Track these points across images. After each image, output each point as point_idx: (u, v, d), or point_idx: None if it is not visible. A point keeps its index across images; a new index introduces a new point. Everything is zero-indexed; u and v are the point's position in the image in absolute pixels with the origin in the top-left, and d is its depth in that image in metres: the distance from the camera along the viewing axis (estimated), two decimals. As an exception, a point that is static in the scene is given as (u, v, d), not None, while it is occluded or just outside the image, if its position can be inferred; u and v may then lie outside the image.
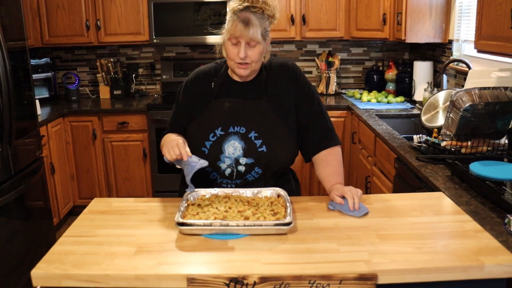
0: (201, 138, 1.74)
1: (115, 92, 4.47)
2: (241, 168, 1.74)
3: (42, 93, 4.30)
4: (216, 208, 1.56)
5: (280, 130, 1.75)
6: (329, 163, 1.80)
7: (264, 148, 1.72)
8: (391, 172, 2.59)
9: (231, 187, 1.78)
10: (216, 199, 1.63)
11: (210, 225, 1.42)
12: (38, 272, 1.28)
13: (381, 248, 1.34)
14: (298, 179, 2.01)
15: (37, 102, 3.58)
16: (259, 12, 1.64)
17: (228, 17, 1.67)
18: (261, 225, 1.42)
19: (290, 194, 1.80)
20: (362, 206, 1.59)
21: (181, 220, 1.43)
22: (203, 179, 1.80)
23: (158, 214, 1.63)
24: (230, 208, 1.55)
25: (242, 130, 1.73)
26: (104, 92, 4.53)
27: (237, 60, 1.65)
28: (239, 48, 1.64)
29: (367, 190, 3.09)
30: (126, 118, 4.02)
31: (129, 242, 1.42)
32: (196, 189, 1.67)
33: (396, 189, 2.48)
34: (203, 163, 1.61)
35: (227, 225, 1.42)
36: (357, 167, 3.55)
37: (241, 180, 1.77)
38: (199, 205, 1.59)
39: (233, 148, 1.72)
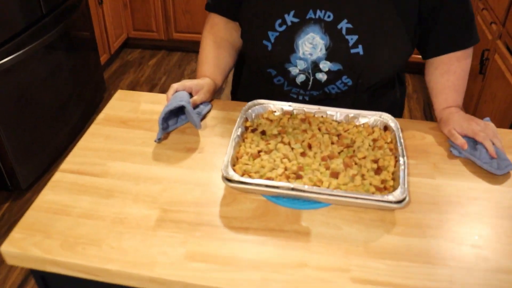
0: (262, 27, 1.13)
1: None
2: (321, 77, 1.14)
3: None
4: (289, 144, 1.02)
5: (389, 22, 1.08)
6: (452, 70, 1.17)
7: (359, 49, 1.09)
8: (529, 59, 1.88)
9: (304, 99, 1.21)
10: (290, 122, 1.09)
11: (277, 187, 0.90)
12: (11, 251, 0.84)
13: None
14: (405, 78, 1.39)
15: None
16: None
17: None
18: (356, 198, 0.89)
19: (392, 108, 1.25)
20: (503, 156, 1.02)
21: (231, 176, 0.91)
22: (264, 82, 1.24)
23: (202, 135, 1.12)
24: (310, 146, 1.02)
25: (328, 17, 1.08)
26: None
27: None
28: None
29: (481, 69, 2.39)
30: None
31: (151, 196, 0.94)
32: (262, 101, 1.13)
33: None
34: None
35: (304, 192, 0.90)
36: (486, 101, 2.73)
37: (319, 92, 1.19)
38: (263, 132, 1.06)
39: (311, 45, 1.11)
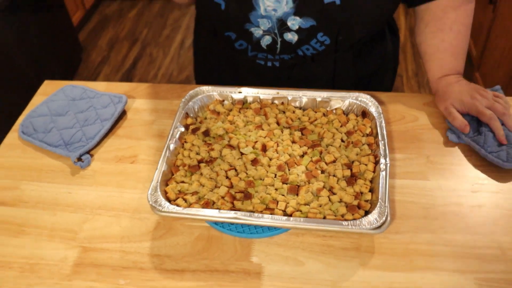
0: None
1: None
2: (291, 37, 0.90)
3: None
4: (237, 147, 0.81)
5: None
6: (448, 26, 0.92)
7: None
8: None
9: (274, 65, 0.98)
10: (241, 116, 0.87)
11: (218, 215, 0.69)
12: None
13: None
14: (398, 29, 1.13)
15: None
16: None
17: None
18: (321, 223, 0.68)
19: (382, 68, 1.02)
20: None
21: (159, 202, 0.70)
22: (225, 49, 1.00)
23: (137, 137, 0.91)
24: (264, 149, 0.80)
25: None
26: None
27: None
28: None
29: (493, -3, 2.08)
30: None
31: (71, 231, 0.76)
32: (205, 88, 0.90)
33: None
34: None
35: (253, 217, 0.69)
36: (498, 35, 2.29)
37: (291, 55, 0.95)
38: (205, 133, 0.84)
39: None
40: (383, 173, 0.72)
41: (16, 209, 0.80)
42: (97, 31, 3.17)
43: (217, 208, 0.71)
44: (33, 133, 0.92)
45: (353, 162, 0.77)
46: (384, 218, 0.66)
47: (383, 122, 0.80)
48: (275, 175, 0.76)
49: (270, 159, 0.78)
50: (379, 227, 0.66)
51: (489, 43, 2.15)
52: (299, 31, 0.88)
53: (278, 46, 0.93)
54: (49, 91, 1.02)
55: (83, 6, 3.10)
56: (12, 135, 0.94)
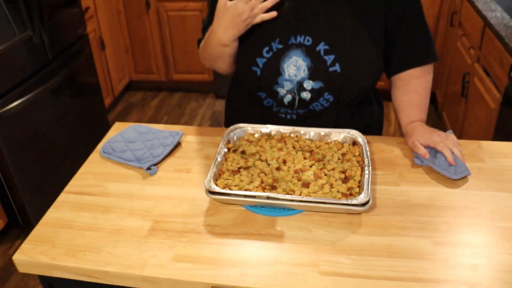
0: (251, 54, 1.26)
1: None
2: (306, 95, 1.27)
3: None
4: (266, 161, 1.14)
5: (360, 42, 1.22)
6: (412, 88, 1.30)
7: (337, 67, 1.22)
8: (502, 81, 2.01)
9: (291, 118, 1.33)
10: (267, 143, 1.21)
11: (254, 197, 1.02)
12: (22, 259, 0.96)
13: (497, 259, 0.90)
14: (382, 101, 1.51)
15: (80, -34, 3.11)
16: None
17: None
18: (324, 203, 1.00)
19: (371, 125, 1.37)
20: (460, 163, 1.13)
21: (213, 188, 1.03)
22: (255, 106, 1.36)
23: (190, 157, 1.24)
24: (284, 162, 1.13)
25: (308, 41, 1.22)
26: (160, -51, 3.95)
27: None
28: None
29: (463, 92, 2.52)
30: (183, -16, 3.49)
31: (144, 211, 1.06)
32: (242, 125, 1.25)
33: (506, 107, 1.92)
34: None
35: (277, 200, 1.01)
36: (452, 57, 2.90)
37: (305, 110, 1.31)
38: (242, 152, 1.18)
39: (295, 67, 1.24)
40: (367, 176, 1.05)
41: (102, 198, 1.11)
42: (123, 115, 3.60)
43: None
44: (112, 152, 1.26)
45: (346, 170, 1.10)
46: (368, 198, 0.98)
47: (367, 148, 1.14)
48: (293, 176, 1.09)
49: (289, 167, 1.11)
50: (365, 204, 0.98)
51: (464, 130, 2.55)
52: (311, 91, 1.26)
53: (296, 102, 1.29)
54: (119, 129, 1.37)
55: (112, 93, 3.55)
56: (95, 155, 1.28)
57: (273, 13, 1.20)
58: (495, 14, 2.25)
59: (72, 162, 2.68)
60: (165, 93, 3.95)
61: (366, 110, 1.41)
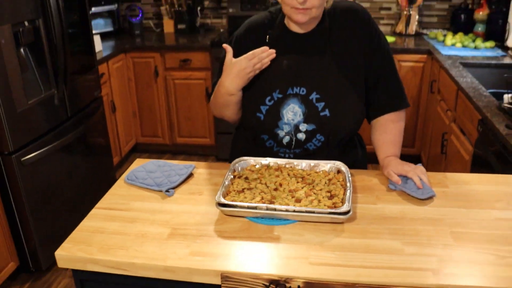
0: (255, 103, 1.53)
1: (179, 26, 4.28)
2: (301, 136, 1.52)
3: (106, 26, 4.19)
4: (265, 184, 1.37)
5: (345, 91, 1.49)
6: (388, 130, 1.56)
7: (327, 112, 1.48)
8: (473, 135, 2.27)
9: (289, 157, 1.57)
10: (267, 171, 1.44)
11: (255, 208, 1.24)
12: (62, 254, 1.17)
13: (454, 253, 1.11)
14: (365, 145, 1.76)
15: (98, 37, 3.47)
16: None
17: None
18: (313, 212, 1.22)
19: (355, 164, 1.59)
20: (427, 186, 1.36)
21: (222, 201, 1.25)
22: (257, 147, 1.60)
23: (201, 184, 1.47)
24: (281, 185, 1.36)
25: (303, 91, 1.49)
26: (168, 25, 4.36)
27: (296, 5, 1.38)
28: None
29: (442, 149, 2.79)
30: (189, 55, 3.84)
31: (164, 221, 1.27)
32: (246, 158, 1.49)
33: (477, 157, 2.17)
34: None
35: (275, 210, 1.23)
36: (433, 120, 3.21)
37: (300, 149, 1.55)
38: (246, 178, 1.41)
39: (292, 113, 1.50)
40: (348, 193, 1.28)
41: (128, 212, 1.33)
42: (129, 174, 3.82)
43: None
44: (135, 179, 1.48)
45: (331, 190, 1.33)
46: (349, 209, 1.20)
47: (349, 174, 1.38)
48: (287, 194, 1.31)
49: (284, 188, 1.34)
50: (346, 213, 1.20)
51: (426, 124, 2.78)
52: (306, 132, 1.51)
53: (293, 143, 1.54)
54: (139, 164, 1.60)
55: (120, 154, 3.80)
56: (119, 182, 1.50)
57: (268, 63, 1.46)
58: (466, 79, 2.56)
59: (82, 214, 2.88)
60: (168, 156, 4.20)
61: (351, 152, 1.65)
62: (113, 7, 4.20)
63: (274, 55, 1.44)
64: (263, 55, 1.42)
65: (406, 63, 3.48)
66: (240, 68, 1.44)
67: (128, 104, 3.94)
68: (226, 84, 1.49)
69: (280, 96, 1.50)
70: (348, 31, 1.51)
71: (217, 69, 1.61)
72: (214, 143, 4.06)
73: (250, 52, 1.42)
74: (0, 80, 2.19)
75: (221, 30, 4.37)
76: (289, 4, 1.40)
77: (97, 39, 3.44)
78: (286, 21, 1.52)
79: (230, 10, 4.25)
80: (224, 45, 1.46)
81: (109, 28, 4.23)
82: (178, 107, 4.03)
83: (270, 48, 1.44)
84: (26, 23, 2.39)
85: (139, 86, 3.99)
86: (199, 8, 4.34)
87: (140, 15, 4.31)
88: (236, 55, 1.46)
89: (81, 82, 2.92)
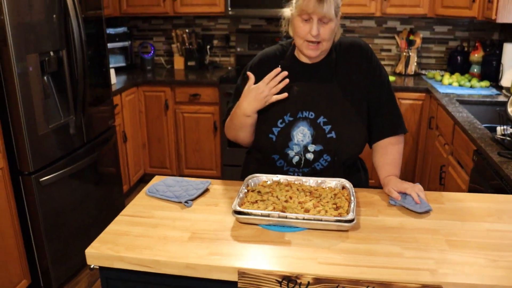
0: (268, 125, 1.67)
1: (189, 63, 4.49)
2: (309, 156, 1.65)
3: (118, 61, 4.40)
4: (277, 197, 1.49)
5: (350, 116, 1.64)
6: (388, 152, 1.70)
7: (333, 134, 1.63)
8: (469, 165, 2.41)
9: (298, 175, 1.70)
10: (277, 186, 1.57)
11: (268, 216, 1.36)
12: (92, 252, 1.28)
13: (449, 257, 1.23)
14: (367, 169, 1.90)
15: (112, 71, 3.65)
16: None
17: None
18: (321, 220, 1.34)
19: (358, 185, 1.71)
20: (424, 202, 1.49)
21: (238, 209, 1.38)
22: (269, 166, 1.73)
23: (217, 198, 1.59)
24: (290, 198, 1.49)
25: (311, 115, 1.64)
26: (179, 62, 4.56)
27: (309, 37, 1.55)
28: (311, 25, 1.54)
29: (441, 180, 2.91)
30: (198, 90, 4.02)
31: (184, 227, 1.39)
32: (258, 174, 1.62)
33: (473, 185, 2.30)
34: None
35: (286, 218, 1.36)
36: (432, 154, 3.35)
37: (308, 168, 1.68)
38: (259, 192, 1.53)
39: (302, 134, 1.64)
40: (352, 205, 1.40)
41: (150, 219, 1.45)
42: (137, 202, 3.93)
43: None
44: (156, 192, 1.61)
45: (337, 202, 1.45)
46: (353, 217, 1.33)
47: (353, 190, 1.50)
48: (297, 205, 1.43)
49: (294, 201, 1.47)
50: (351, 221, 1.32)
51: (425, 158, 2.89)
52: (314, 152, 1.65)
53: (302, 162, 1.67)
54: (158, 179, 1.73)
55: (129, 182, 3.93)
56: (141, 195, 1.63)
57: (285, 94, 1.62)
58: (462, 114, 2.72)
59: (93, 238, 2.98)
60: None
61: (355, 175, 1.79)
62: (126, 43, 4.41)
63: (287, 79, 1.58)
64: (277, 78, 1.57)
65: (406, 101, 3.65)
66: (258, 91, 1.59)
67: (138, 135, 4.09)
68: (244, 106, 1.63)
69: (291, 119, 1.65)
70: (353, 63, 1.67)
71: (233, 94, 1.77)
72: (220, 175, 4.18)
73: (266, 76, 1.57)
74: (26, 104, 2.35)
75: (229, 68, 4.57)
76: (303, 37, 1.57)
77: (112, 73, 3.62)
78: (296, 53, 1.69)
79: (238, 49, 4.46)
80: (248, 73, 1.63)
81: (122, 63, 4.43)
82: (187, 140, 4.18)
83: None
84: (51, 53, 2.56)
85: (149, 119, 4.15)
86: (208, 47, 4.55)
87: (152, 52, 4.52)
88: (247, 80, 1.63)
89: (97, 111, 3.08)
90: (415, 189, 1.53)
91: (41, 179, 2.49)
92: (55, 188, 2.62)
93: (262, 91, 1.59)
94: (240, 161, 1.96)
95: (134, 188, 4.19)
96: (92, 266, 1.31)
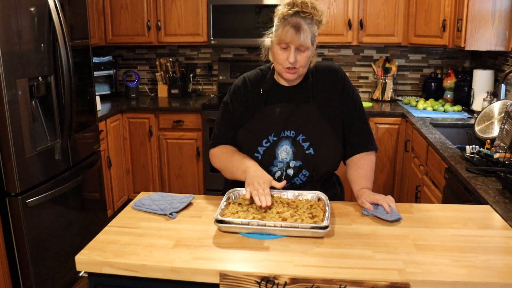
0: (253, 145, 1.78)
1: (172, 91, 4.60)
2: (290, 172, 1.76)
3: (103, 89, 4.49)
4: (256, 208, 1.58)
5: (326, 133, 1.76)
6: (360, 166, 1.81)
7: (311, 151, 1.73)
8: (441, 183, 2.53)
9: (279, 190, 1.79)
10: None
11: (248, 224, 1.45)
12: (82, 258, 1.35)
13: (416, 258, 1.32)
14: (343, 184, 2.00)
15: (98, 98, 3.75)
16: (309, 18, 1.66)
17: (276, 21, 1.69)
18: (297, 227, 1.43)
19: (334, 199, 1.81)
20: (395, 211, 1.59)
21: (219, 218, 1.46)
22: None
23: (200, 211, 1.68)
24: (269, 208, 1.58)
25: (292, 134, 1.75)
26: (162, 90, 4.67)
27: (286, 64, 1.68)
28: (289, 53, 1.66)
29: (416, 200, 3.03)
30: (181, 117, 4.12)
31: (169, 236, 1.47)
32: (239, 188, 1.71)
33: (445, 201, 2.41)
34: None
35: (264, 225, 1.44)
36: (408, 175, 3.48)
37: (289, 183, 1.78)
38: (239, 204, 1.62)
39: (286, 152, 1.75)
40: (327, 214, 1.50)
41: (137, 229, 1.52)
42: (121, 227, 3.97)
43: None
44: (142, 206, 1.69)
45: (312, 212, 1.55)
46: (328, 224, 1.42)
47: (328, 202, 1.60)
48: (275, 214, 1.52)
49: (272, 211, 1.56)
50: (325, 227, 1.42)
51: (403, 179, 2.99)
52: (294, 168, 1.75)
53: (283, 177, 1.77)
54: (144, 195, 1.81)
55: (113, 207, 3.97)
56: (127, 209, 1.70)
57: (283, 183, 1.66)
58: (435, 136, 2.85)
59: (73, 262, 3.01)
60: (158, 212, 4.35)
61: (331, 189, 1.89)
62: (111, 72, 4.52)
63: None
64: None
65: (382, 126, 3.79)
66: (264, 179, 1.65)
67: (122, 161, 4.16)
68: (250, 174, 1.67)
69: (275, 138, 1.75)
70: (328, 86, 1.80)
71: (217, 117, 1.88)
72: (203, 200, 4.24)
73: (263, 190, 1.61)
74: (15, 127, 2.42)
75: (212, 95, 4.69)
76: (282, 64, 1.69)
77: (97, 100, 3.71)
78: (276, 76, 1.81)
79: (220, 77, 4.60)
80: (282, 183, 1.66)
81: (107, 91, 4.52)
82: (170, 165, 4.25)
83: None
84: (40, 78, 2.65)
85: (133, 145, 4.23)
86: (191, 75, 4.68)
87: (136, 80, 4.63)
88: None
89: (82, 136, 3.15)
90: (387, 200, 1.63)
91: (27, 201, 2.54)
92: (41, 209, 2.66)
93: (264, 181, 1.64)
94: (222, 186, 2.04)
95: (118, 213, 4.21)
96: (81, 273, 1.37)
